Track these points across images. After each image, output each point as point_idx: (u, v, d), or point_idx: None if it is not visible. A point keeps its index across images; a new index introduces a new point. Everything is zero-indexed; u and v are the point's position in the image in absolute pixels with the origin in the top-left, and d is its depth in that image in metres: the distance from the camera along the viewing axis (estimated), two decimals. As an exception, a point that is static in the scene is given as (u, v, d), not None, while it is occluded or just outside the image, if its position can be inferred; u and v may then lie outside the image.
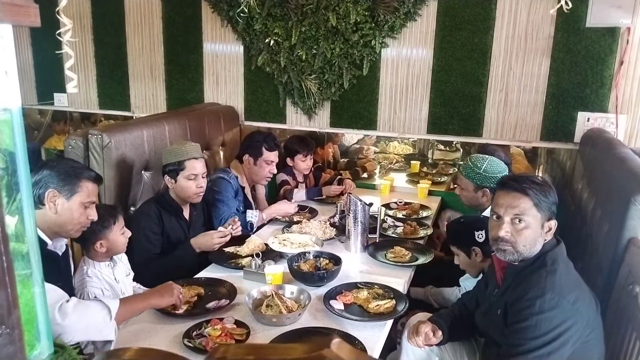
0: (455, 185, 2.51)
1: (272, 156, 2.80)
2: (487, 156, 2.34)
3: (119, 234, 1.92)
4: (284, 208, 2.79)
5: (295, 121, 3.69)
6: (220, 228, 2.29)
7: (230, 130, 3.64)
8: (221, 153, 3.56)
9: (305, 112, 3.62)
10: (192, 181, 2.30)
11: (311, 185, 3.46)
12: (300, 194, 3.14)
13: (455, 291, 2.28)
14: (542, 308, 1.42)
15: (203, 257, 2.24)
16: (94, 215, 1.71)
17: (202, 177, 2.34)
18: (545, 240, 1.53)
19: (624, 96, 2.93)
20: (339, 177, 3.43)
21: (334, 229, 2.59)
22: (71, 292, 1.75)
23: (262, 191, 2.99)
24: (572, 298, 1.44)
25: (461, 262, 2.07)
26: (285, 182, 3.25)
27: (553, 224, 1.52)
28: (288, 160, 3.31)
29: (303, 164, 3.27)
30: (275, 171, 2.85)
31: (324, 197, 3.23)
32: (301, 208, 2.97)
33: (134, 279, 2.10)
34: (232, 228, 2.27)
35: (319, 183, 3.51)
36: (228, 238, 2.22)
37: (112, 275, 1.93)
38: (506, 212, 1.54)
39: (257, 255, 2.16)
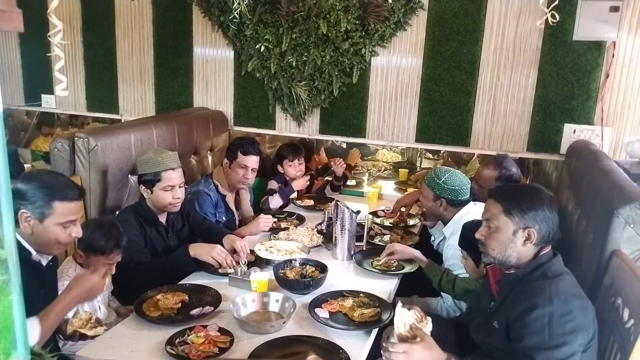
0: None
1: (248, 160, 2.73)
2: (450, 169, 2.35)
3: (106, 261, 1.90)
4: (254, 229, 2.60)
5: (285, 127, 3.69)
6: (225, 250, 2.15)
7: (219, 135, 3.63)
8: (209, 158, 3.55)
9: (294, 119, 3.63)
10: (169, 192, 2.26)
11: (303, 193, 3.46)
12: (276, 199, 3.13)
13: (440, 301, 2.28)
14: (552, 317, 1.40)
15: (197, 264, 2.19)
16: (76, 232, 1.62)
17: (180, 187, 2.29)
18: (521, 248, 1.53)
19: (609, 109, 2.98)
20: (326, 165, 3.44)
21: (321, 236, 2.58)
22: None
23: (246, 197, 2.97)
24: (580, 305, 1.43)
25: (467, 266, 2.04)
26: (272, 191, 3.23)
27: (532, 232, 1.52)
28: (279, 167, 3.30)
29: (291, 169, 3.26)
30: (250, 178, 2.79)
31: (296, 194, 3.25)
32: (289, 214, 2.97)
33: (116, 293, 2.08)
34: (231, 263, 2.14)
35: (310, 190, 3.50)
36: (225, 263, 2.13)
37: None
38: (483, 216, 1.61)
39: (243, 261, 2.14)
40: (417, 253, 2.24)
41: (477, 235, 1.60)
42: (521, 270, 1.56)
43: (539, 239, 1.53)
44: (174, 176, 2.26)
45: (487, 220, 1.59)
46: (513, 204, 1.54)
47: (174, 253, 2.21)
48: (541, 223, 1.52)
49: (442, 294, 2.23)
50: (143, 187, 2.28)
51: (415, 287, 2.36)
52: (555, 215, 1.54)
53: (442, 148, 3.36)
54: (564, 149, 3.06)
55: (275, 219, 2.85)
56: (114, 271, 1.94)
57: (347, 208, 2.39)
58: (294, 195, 3.32)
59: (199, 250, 2.15)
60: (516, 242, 1.54)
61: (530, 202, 1.53)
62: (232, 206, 2.89)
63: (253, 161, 2.77)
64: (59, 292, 1.72)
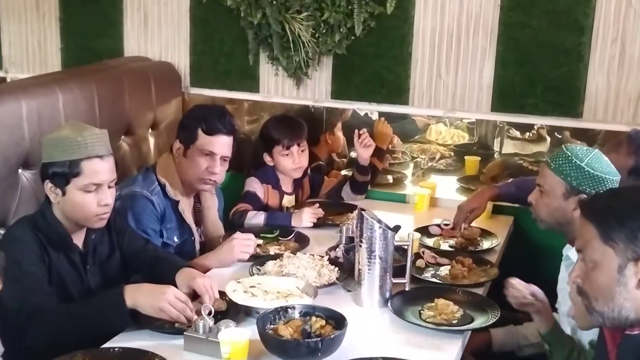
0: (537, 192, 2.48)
1: (214, 144, 2.76)
2: (590, 148, 2.37)
3: None
4: (226, 257, 2.64)
5: (275, 89, 3.69)
6: (183, 297, 2.16)
7: (166, 103, 3.65)
8: (151, 140, 3.57)
9: (290, 75, 3.60)
10: (92, 195, 2.25)
11: (304, 197, 3.47)
12: (257, 219, 3.11)
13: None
14: None
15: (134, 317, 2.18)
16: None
17: (110, 188, 2.30)
18: (637, 292, 1.54)
19: None
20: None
21: (336, 269, 2.59)
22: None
23: (212, 204, 2.99)
24: None
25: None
26: (251, 195, 3.23)
27: None
28: (265, 157, 3.31)
29: (287, 160, 3.26)
30: (218, 172, 2.79)
31: (293, 197, 3.36)
32: (282, 233, 2.97)
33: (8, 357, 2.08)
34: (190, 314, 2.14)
35: (318, 193, 3.52)
36: (183, 317, 2.11)
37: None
38: (575, 245, 1.66)
39: (208, 311, 2.11)
40: (546, 302, 2.24)
41: (572, 280, 1.65)
42: None
43: None
44: (102, 168, 2.26)
45: (580, 252, 1.62)
46: (613, 222, 1.53)
47: (97, 298, 2.21)
48: None
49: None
50: (50, 186, 2.27)
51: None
52: None
53: (537, 121, 3.33)
54: None
55: (260, 241, 2.84)
56: None
57: (379, 222, 2.37)
58: (289, 200, 3.32)
59: (140, 298, 2.13)
60: (626, 283, 1.53)
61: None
62: (189, 219, 2.89)
63: (223, 144, 2.79)
64: None
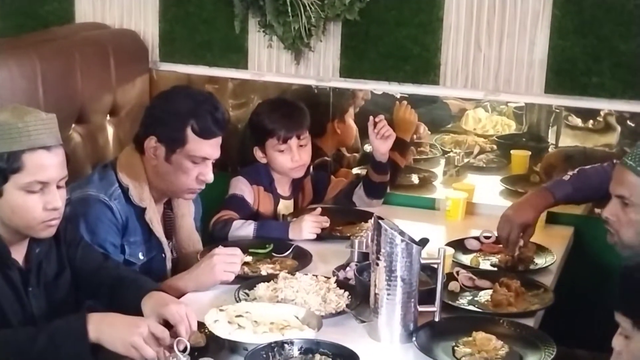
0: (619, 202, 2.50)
1: (207, 148, 2.80)
2: None
3: None
4: (206, 278, 2.69)
5: (269, 65, 3.73)
6: (164, 333, 2.18)
7: (130, 82, 3.68)
8: (110, 130, 3.60)
9: (288, 46, 3.63)
10: (37, 196, 2.27)
11: (306, 202, 3.49)
12: (245, 229, 3.15)
13: None
14: None
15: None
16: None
17: (59, 188, 2.31)
18: None
19: None
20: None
21: (346, 293, 2.60)
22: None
23: (187, 211, 3.01)
24: None
25: (629, 352, 2.02)
26: (237, 199, 3.26)
27: None
28: (256, 151, 3.35)
29: (283, 157, 3.29)
30: (208, 177, 2.82)
31: (292, 203, 3.41)
32: (276, 249, 2.99)
33: None
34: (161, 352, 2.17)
35: (323, 196, 3.55)
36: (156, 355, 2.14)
37: None
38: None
39: (183, 348, 2.13)
40: None
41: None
42: None
43: None
44: (49, 163, 2.28)
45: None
46: None
47: (52, 326, 2.21)
48: None
49: None
50: None
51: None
52: None
53: (606, 106, 3.34)
54: None
55: (249, 258, 2.86)
56: None
57: (401, 234, 2.38)
58: (286, 206, 3.35)
59: (107, 330, 2.15)
60: None
61: None
62: (158, 231, 2.90)
63: (216, 146, 2.84)
64: None
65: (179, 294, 2.56)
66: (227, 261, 2.65)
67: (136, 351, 2.09)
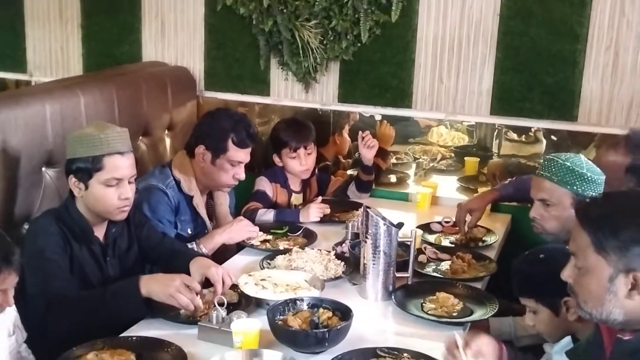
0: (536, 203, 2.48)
1: (242, 155, 2.83)
2: (572, 153, 2.39)
3: None
4: (236, 234, 2.78)
5: (285, 93, 3.70)
6: (193, 283, 2.17)
7: (182, 106, 3.66)
8: (167, 141, 3.58)
9: (300, 79, 3.62)
10: (113, 189, 2.28)
11: (312, 195, 3.47)
12: (267, 216, 3.15)
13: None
14: None
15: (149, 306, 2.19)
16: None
17: (130, 183, 2.33)
18: (627, 301, 1.52)
19: None
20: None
21: (342, 263, 2.61)
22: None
23: (224, 200, 3.02)
24: None
25: (540, 321, 2.04)
26: (261, 193, 3.25)
27: (639, 277, 1.49)
28: (275, 157, 3.33)
29: (294, 162, 3.27)
30: (242, 176, 2.86)
31: (301, 196, 3.41)
32: (291, 229, 2.99)
33: (32, 342, 2.08)
34: (202, 304, 2.15)
35: (325, 191, 3.52)
36: (191, 305, 2.12)
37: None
38: (570, 248, 1.64)
39: (221, 303, 2.13)
40: None
41: (564, 277, 1.64)
42: (638, 336, 1.56)
43: None
44: (122, 164, 2.30)
45: (573, 255, 1.61)
46: (607, 233, 1.51)
47: (115, 287, 2.21)
48: None
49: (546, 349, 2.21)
50: (74, 181, 2.30)
51: None
52: None
53: (534, 124, 3.33)
54: None
55: (270, 237, 2.87)
56: (11, 302, 1.91)
57: (383, 219, 2.38)
58: (297, 198, 3.34)
59: (154, 285, 2.14)
60: (616, 292, 1.52)
61: (635, 227, 1.50)
62: (203, 213, 2.91)
63: (249, 154, 2.87)
64: None
65: (214, 244, 2.71)
66: (249, 225, 2.76)
67: (174, 299, 2.09)
